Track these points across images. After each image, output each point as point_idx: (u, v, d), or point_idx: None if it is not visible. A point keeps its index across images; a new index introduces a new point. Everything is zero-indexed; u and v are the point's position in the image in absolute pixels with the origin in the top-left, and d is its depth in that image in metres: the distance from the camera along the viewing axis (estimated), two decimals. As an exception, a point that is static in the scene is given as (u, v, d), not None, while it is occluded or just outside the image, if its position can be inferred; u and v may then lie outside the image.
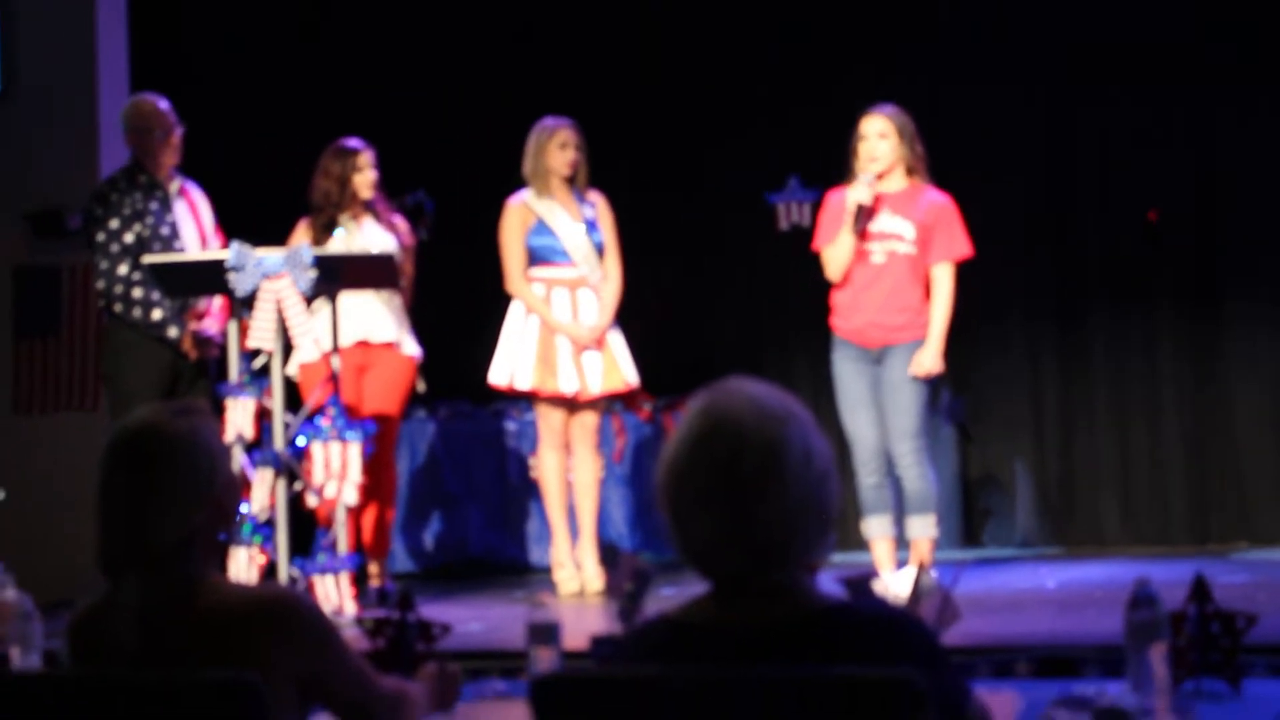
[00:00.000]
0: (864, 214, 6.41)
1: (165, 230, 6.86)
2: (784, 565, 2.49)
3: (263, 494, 6.19)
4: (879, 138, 6.45)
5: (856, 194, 6.40)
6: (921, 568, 3.97)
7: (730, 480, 2.45)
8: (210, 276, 6.30)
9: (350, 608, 6.18)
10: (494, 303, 7.32)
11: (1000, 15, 8.71)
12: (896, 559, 6.52)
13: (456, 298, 8.51)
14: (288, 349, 6.39)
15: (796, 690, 2.35)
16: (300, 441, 6.28)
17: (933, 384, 6.54)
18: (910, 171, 6.50)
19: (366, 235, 7.00)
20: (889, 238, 6.46)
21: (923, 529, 6.42)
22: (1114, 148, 8.58)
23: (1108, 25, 8.47)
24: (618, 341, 7.13)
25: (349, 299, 6.78)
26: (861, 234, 6.42)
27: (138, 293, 6.76)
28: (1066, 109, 8.62)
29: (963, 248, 6.53)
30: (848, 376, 6.49)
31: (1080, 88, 8.56)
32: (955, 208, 6.54)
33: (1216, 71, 8.36)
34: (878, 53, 8.67)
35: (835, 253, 6.47)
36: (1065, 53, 8.56)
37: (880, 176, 6.46)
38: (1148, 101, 8.47)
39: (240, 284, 6.20)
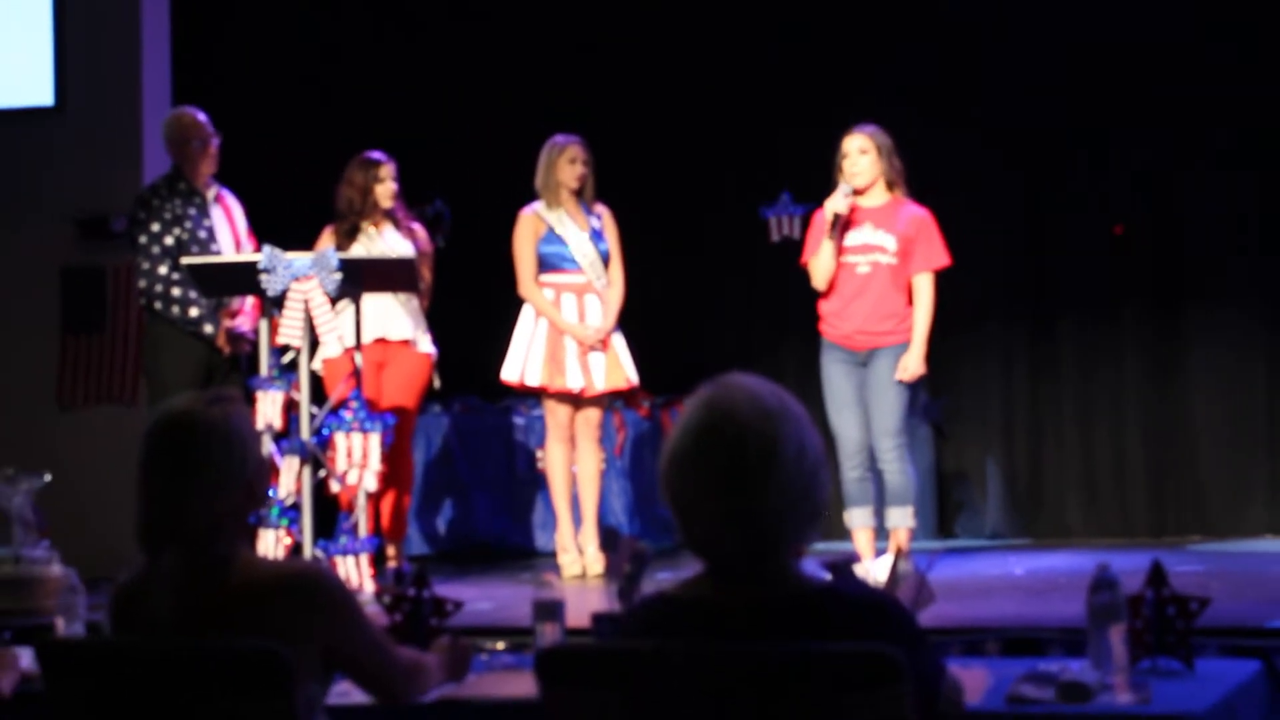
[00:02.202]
0: (840, 223, 6.42)
1: (203, 234, 6.86)
2: (776, 549, 2.50)
3: (290, 480, 6.20)
4: (860, 153, 6.46)
5: (834, 204, 6.41)
6: (899, 554, 3.97)
7: (730, 470, 2.46)
8: (244, 277, 6.30)
9: (369, 587, 6.17)
10: (505, 306, 7.33)
11: (968, 19, 8.68)
12: (876, 548, 6.53)
13: (471, 301, 8.51)
14: (314, 345, 6.40)
15: (785, 663, 2.35)
16: (325, 432, 6.29)
17: (913, 385, 6.54)
18: (890, 186, 6.51)
19: (387, 241, 7.01)
20: (873, 249, 6.46)
21: (901, 519, 6.41)
22: (1079, 167, 8.57)
23: (1081, 35, 8.46)
24: (620, 343, 7.14)
25: (369, 300, 6.78)
26: (840, 247, 6.42)
27: (176, 292, 6.76)
28: (1036, 130, 8.61)
29: (941, 258, 6.53)
30: (836, 377, 6.49)
31: (1047, 107, 8.55)
32: (934, 220, 6.53)
33: (1169, 87, 8.35)
34: (865, 73, 8.66)
35: (819, 263, 6.49)
36: (1040, 70, 8.54)
37: (862, 191, 6.47)
38: (1105, 118, 8.46)
39: (271, 285, 6.20)
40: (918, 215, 6.51)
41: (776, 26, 8.83)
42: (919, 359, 6.43)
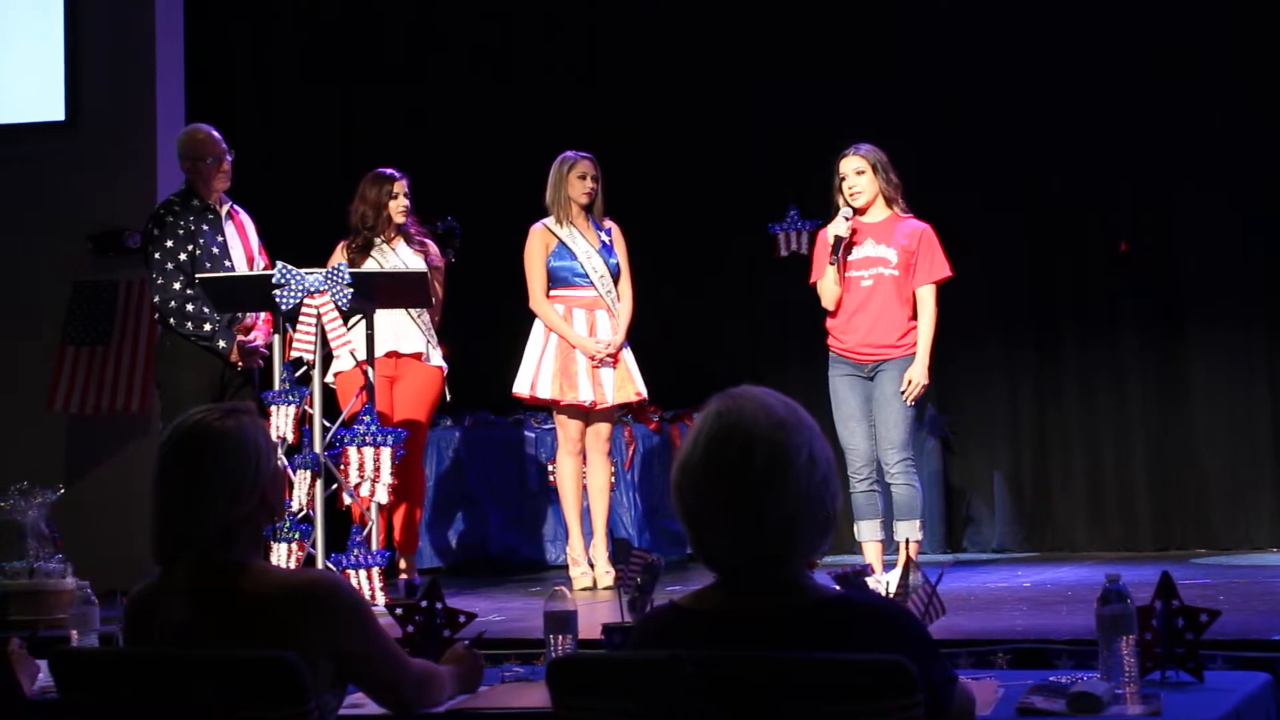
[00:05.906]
0: (843, 245, 6.43)
1: (216, 250, 6.85)
2: (788, 559, 2.48)
3: (302, 493, 6.18)
4: (856, 174, 6.47)
5: (835, 228, 6.44)
6: (909, 566, 3.95)
7: (741, 480, 2.44)
8: (257, 293, 6.30)
9: (381, 600, 6.16)
10: (516, 320, 7.32)
11: (971, 49, 8.68)
12: (884, 561, 6.51)
13: (482, 315, 8.51)
14: (327, 360, 6.39)
15: (797, 673, 2.33)
16: (337, 445, 6.28)
17: (920, 401, 6.53)
18: (889, 202, 6.51)
19: (399, 256, 7.01)
20: (875, 263, 6.47)
21: (909, 532, 6.40)
22: (1082, 188, 8.57)
23: (1084, 55, 8.47)
24: (630, 357, 7.13)
25: (381, 314, 6.76)
26: (844, 264, 6.43)
27: (190, 307, 6.75)
28: (1036, 155, 8.61)
29: (943, 269, 6.52)
30: (843, 390, 6.48)
31: (1049, 129, 8.55)
32: (934, 233, 6.53)
33: (1171, 105, 8.35)
34: (864, 91, 8.66)
35: (825, 285, 6.51)
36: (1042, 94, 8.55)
37: (863, 210, 6.47)
38: (1109, 140, 8.46)
39: (284, 300, 6.20)
40: (918, 228, 6.52)
41: (784, 47, 8.86)
42: (923, 369, 6.42)
